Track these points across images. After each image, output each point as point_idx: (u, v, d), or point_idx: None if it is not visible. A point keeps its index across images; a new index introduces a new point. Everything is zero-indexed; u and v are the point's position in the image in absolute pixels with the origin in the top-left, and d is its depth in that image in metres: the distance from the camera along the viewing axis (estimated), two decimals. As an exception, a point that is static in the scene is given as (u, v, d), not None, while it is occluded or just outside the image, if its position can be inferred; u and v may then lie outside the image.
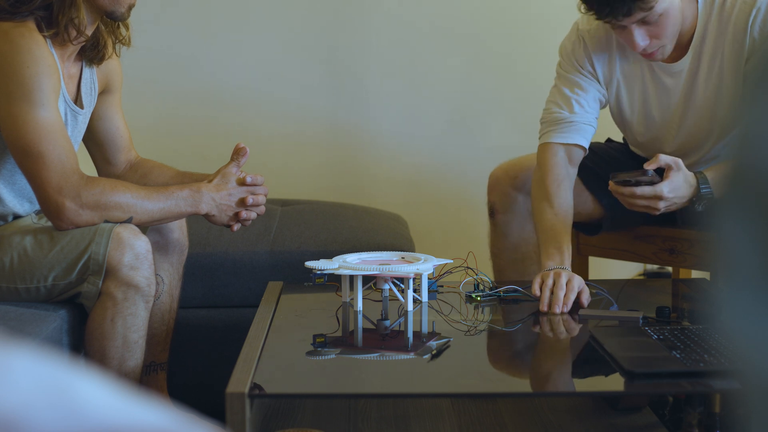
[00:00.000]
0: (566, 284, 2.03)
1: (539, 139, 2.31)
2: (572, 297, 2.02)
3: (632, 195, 2.10)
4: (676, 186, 2.12)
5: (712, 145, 2.28)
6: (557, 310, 2.01)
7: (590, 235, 2.50)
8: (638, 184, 2.09)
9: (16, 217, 2.09)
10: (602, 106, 2.35)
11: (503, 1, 3.25)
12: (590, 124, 2.29)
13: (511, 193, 2.34)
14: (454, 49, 3.25)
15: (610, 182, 2.12)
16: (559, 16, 2.91)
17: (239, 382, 1.51)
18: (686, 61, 2.22)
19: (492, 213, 2.40)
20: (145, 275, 1.91)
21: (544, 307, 2.02)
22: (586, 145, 2.29)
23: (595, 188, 2.39)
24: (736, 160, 0.51)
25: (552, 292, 2.03)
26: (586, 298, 2.05)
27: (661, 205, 2.11)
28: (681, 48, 2.22)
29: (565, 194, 2.24)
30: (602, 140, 2.62)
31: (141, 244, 1.90)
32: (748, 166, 0.50)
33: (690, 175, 2.13)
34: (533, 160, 2.35)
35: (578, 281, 2.06)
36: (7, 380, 0.48)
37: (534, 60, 3.19)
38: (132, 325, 1.93)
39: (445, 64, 3.26)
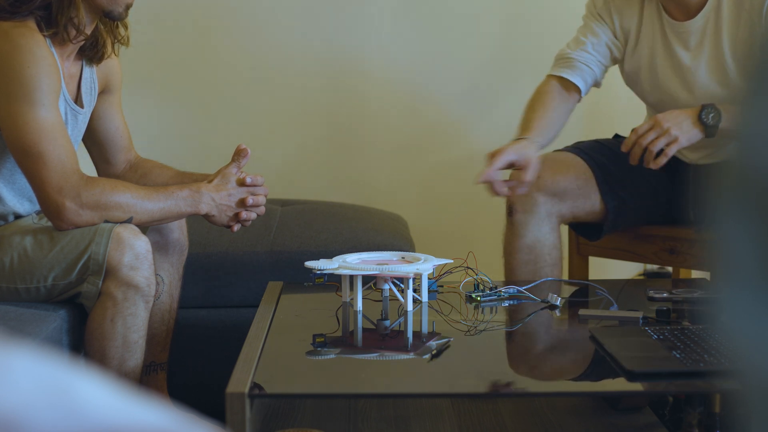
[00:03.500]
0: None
1: (549, 70, 2.46)
2: (488, 173, 2.21)
3: (635, 133, 2.23)
4: (668, 115, 2.24)
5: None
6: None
7: (592, 240, 2.50)
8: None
9: (17, 216, 2.09)
10: (613, 57, 2.45)
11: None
12: (588, 65, 2.41)
13: (532, 192, 2.34)
14: (455, 49, 3.25)
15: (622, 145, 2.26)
16: (558, 16, 2.92)
17: (239, 382, 1.51)
18: (698, 21, 2.27)
19: (510, 212, 2.39)
20: (145, 275, 1.91)
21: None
22: (581, 86, 2.41)
23: (604, 187, 2.40)
24: (736, 160, 0.51)
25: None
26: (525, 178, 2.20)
27: (665, 125, 2.20)
28: (692, 10, 2.30)
29: (548, 119, 2.37)
30: (610, 136, 2.63)
31: (141, 244, 1.90)
32: (748, 166, 0.50)
33: (685, 108, 2.26)
34: (556, 158, 2.38)
35: (510, 154, 2.21)
36: (7, 380, 0.48)
37: (535, 60, 3.19)
38: (132, 325, 1.93)
39: (446, 63, 3.26)
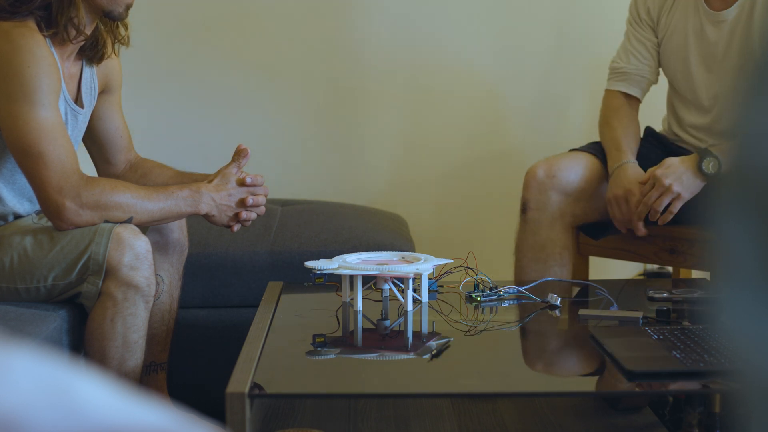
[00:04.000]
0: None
1: (607, 84, 2.57)
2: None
3: (640, 199, 2.28)
4: (667, 164, 2.28)
5: None
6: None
7: (595, 239, 2.50)
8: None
9: (17, 216, 2.09)
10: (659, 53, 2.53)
11: None
12: (642, 74, 2.50)
13: (548, 191, 2.35)
14: (455, 48, 3.25)
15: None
16: (559, 14, 2.92)
17: (239, 382, 1.51)
18: (732, 11, 2.29)
19: (524, 209, 2.40)
20: (145, 275, 1.91)
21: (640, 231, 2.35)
22: (639, 95, 2.52)
23: None
24: (736, 160, 0.51)
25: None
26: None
27: (667, 182, 2.24)
28: None
29: (629, 128, 2.47)
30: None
31: (141, 244, 1.90)
32: (748, 166, 0.50)
33: (683, 156, 2.31)
34: (572, 159, 2.40)
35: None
36: (7, 380, 0.48)
37: (538, 60, 3.19)
38: (132, 325, 1.93)
39: (447, 63, 3.25)
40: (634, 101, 2.52)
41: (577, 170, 2.37)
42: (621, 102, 2.50)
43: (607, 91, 2.55)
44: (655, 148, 2.53)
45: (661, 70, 2.54)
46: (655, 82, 2.54)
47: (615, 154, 2.40)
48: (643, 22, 2.48)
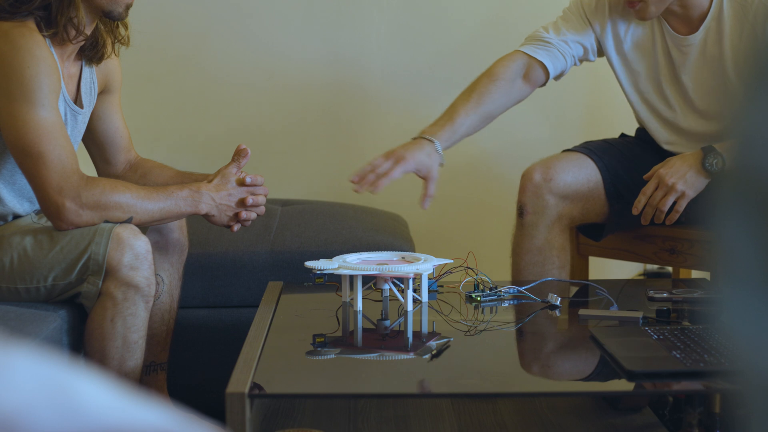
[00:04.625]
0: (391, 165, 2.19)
1: (519, 46, 2.41)
2: (382, 182, 2.18)
3: (644, 195, 2.25)
4: (670, 163, 2.26)
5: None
6: (357, 190, 2.20)
7: (595, 240, 2.50)
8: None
9: (16, 216, 2.09)
10: (584, 59, 2.43)
11: None
12: (564, 55, 2.36)
13: (545, 195, 2.34)
14: (455, 48, 3.25)
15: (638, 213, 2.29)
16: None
17: (239, 382, 1.51)
18: (697, 36, 2.27)
19: (521, 213, 2.39)
20: (144, 275, 1.91)
21: (353, 179, 2.22)
22: (551, 69, 2.36)
23: (610, 189, 2.40)
24: (736, 160, 0.51)
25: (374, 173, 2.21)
26: (427, 194, 2.23)
27: (670, 181, 2.22)
28: (694, 22, 2.30)
29: (493, 94, 2.34)
30: (616, 135, 2.64)
31: (141, 244, 1.90)
32: (748, 166, 0.50)
33: (686, 153, 2.27)
34: (568, 160, 2.38)
35: (411, 165, 2.21)
36: (7, 380, 0.48)
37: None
38: (132, 325, 1.93)
39: (447, 63, 3.25)
40: (537, 74, 2.36)
41: (573, 172, 2.37)
42: (512, 64, 2.35)
43: (515, 52, 2.38)
44: (647, 147, 2.52)
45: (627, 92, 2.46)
46: (563, 75, 2.41)
47: (439, 122, 2.30)
48: (589, 22, 2.38)
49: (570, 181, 2.36)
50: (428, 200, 2.22)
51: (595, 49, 2.41)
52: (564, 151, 2.49)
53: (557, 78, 2.42)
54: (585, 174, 2.39)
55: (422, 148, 2.25)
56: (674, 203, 2.23)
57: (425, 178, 2.22)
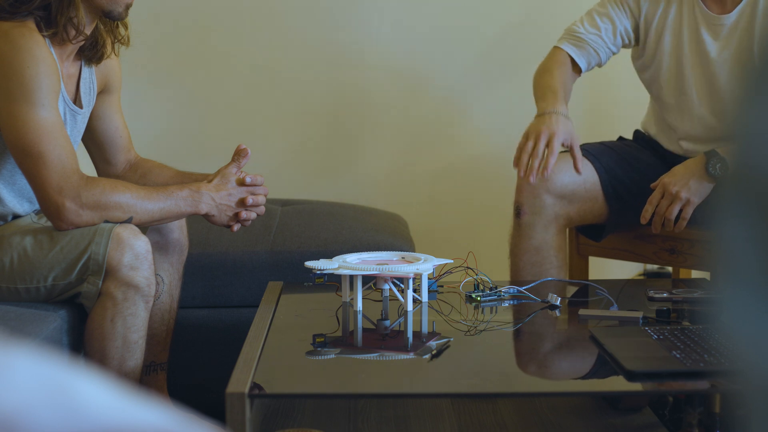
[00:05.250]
0: (547, 144, 2.17)
1: (557, 42, 2.47)
2: (552, 160, 2.16)
3: (651, 204, 2.28)
4: (674, 172, 2.27)
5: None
6: (532, 180, 2.18)
7: (595, 240, 2.50)
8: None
9: (16, 216, 2.09)
10: (623, 45, 2.46)
11: None
12: (597, 50, 2.43)
13: (541, 195, 2.34)
14: (456, 48, 3.25)
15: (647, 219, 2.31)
16: (560, 15, 2.91)
17: (239, 382, 1.51)
18: (733, 16, 2.28)
19: (518, 213, 2.39)
20: (144, 275, 1.91)
21: (521, 174, 2.21)
22: (583, 67, 2.44)
23: (608, 190, 2.40)
24: (736, 161, 0.51)
25: (531, 157, 2.19)
26: (578, 158, 2.24)
27: (674, 190, 2.23)
28: (728, 3, 2.31)
29: (567, 89, 2.39)
30: (612, 137, 2.64)
31: (141, 244, 1.90)
32: (748, 166, 0.50)
33: (688, 160, 2.28)
34: (565, 161, 2.38)
35: (562, 135, 2.18)
36: (7, 380, 0.48)
37: (536, 60, 3.19)
38: (132, 325, 1.93)
39: (447, 62, 3.26)
40: (575, 70, 2.45)
41: (570, 173, 2.37)
42: (565, 60, 2.43)
43: (555, 48, 2.46)
44: (645, 150, 2.52)
45: (647, 80, 2.48)
46: (600, 65, 2.48)
47: (551, 98, 2.30)
48: (625, 6, 2.42)
49: (567, 182, 2.36)
50: (580, 163, 2.26)
51: (632, 35, 2.44)
52: (562, 152, 2.49)
53: (598, 66, 2.48)
54: (582, 175, 2.39)
55: (557, 119, 2.25)
56: (681, 210, 2.26)
57: (572, 145, 2.24)
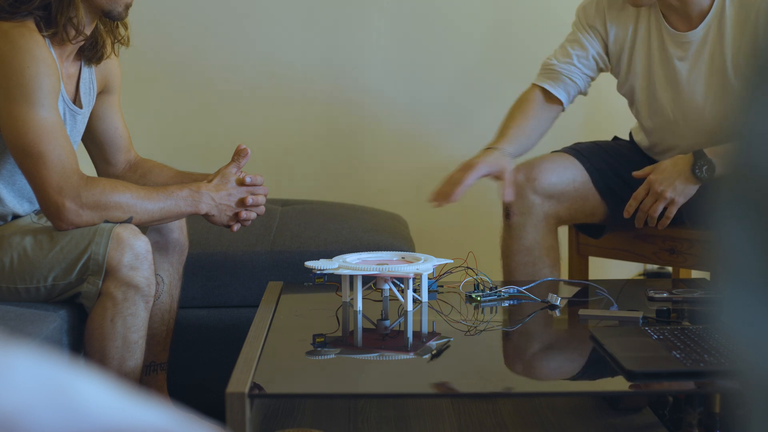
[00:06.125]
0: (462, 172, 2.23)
1: (535, 78, 2.47)
2: (457, 190, 2.20)
3: (635, 200, 2.27)
4: (661, 168, 2.27)
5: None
6: (434, 203, 2.24)
7: (594, 238, 2.50)
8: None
9: (16, 216, 2.09)
10: (599, 69, 2.44)
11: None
12: (572, 78, 2.41)
13: (529, 195, 2.34)
14: (456, 48, 3.25)
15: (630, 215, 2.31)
16: (563, 13, 2.92)
17: (239, 382, 1.51)
18: (700, 31, 2.26)
19: (507, 214, 2.39)
20: (144, 275, 1.91)
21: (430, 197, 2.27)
22: (563, 99, 2.42)
23: (603, 188, 2.40)
24: (736, 160, 0.51)
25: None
26: (507, 184, 2.25)
27: (659, 189, 2.23)
28: (693, 20, 2.28)
29: (525, 128, 2.39)
30: (609, 137, 2.64)
31: (141, 244, 1.90)
32: (748, 166, 0.50)
33: (677, 157, 2.27)
34: (552, 161, 2.39)
35: (484, 168, 2.23)
36: (7, 380, 0.48)
37: (530, 64, 3.19)
38: (132, 325, 1.93)
39: (447, 62, 3.26)
40: (554, 103, 2.42)
41: (558, 172, 2.37)
42: (534, 97, 2.43)
43: (531, 84, 2.46)
44: (639, 150, 2.52)
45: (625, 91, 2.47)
46: (584, 92, 2.46)
47: (497, 136, 2.36)
48: (592, 31, 2.40)
49: (555, 181, 2.36)
50: (509, 192, 2.27)
51: (606, 58, 2.42)
52: (552, 152, 2.50)
53: (582, 94, 2.47)
54: (570, 174, 2.39)
55: (489, 153, 2.29)
56: (665, 209, 2.25)
57: (499, 177, 2.26)
